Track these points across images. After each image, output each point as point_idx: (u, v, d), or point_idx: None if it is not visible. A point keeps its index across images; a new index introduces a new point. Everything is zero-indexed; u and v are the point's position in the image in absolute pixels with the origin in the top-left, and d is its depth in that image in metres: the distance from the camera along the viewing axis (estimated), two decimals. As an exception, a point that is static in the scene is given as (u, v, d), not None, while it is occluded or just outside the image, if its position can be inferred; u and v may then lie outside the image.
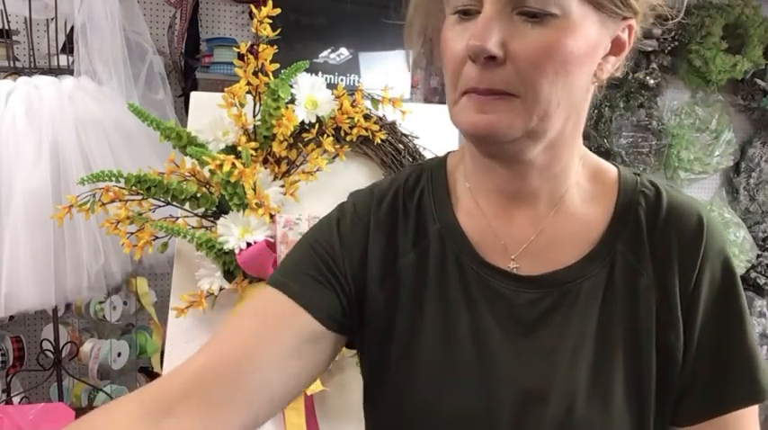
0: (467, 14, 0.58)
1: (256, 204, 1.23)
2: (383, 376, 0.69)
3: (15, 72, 1.82)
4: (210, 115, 1.28)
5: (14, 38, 2.02)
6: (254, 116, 1.29)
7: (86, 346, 2.15)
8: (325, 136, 1.30)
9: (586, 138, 0.78)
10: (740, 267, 3.34)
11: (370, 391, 0.73)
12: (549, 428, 0.61)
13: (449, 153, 0.75)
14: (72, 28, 1.82)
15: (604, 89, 0.67)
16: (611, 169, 0.70)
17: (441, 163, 0.74)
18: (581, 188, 0.67)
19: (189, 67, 2.57)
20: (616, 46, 0.61)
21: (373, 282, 0.68)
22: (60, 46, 1.88)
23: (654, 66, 3.08)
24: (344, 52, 2.39)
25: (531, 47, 0.55)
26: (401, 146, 1.34)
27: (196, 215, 1.30)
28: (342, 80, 2.36)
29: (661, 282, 0.63)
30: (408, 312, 0.68)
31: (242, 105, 1.26)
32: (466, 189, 0.69)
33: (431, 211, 0.69)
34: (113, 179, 1.23)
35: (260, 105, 1.27)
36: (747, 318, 0.64)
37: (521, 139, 0.59)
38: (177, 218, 1.30)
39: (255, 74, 1.25)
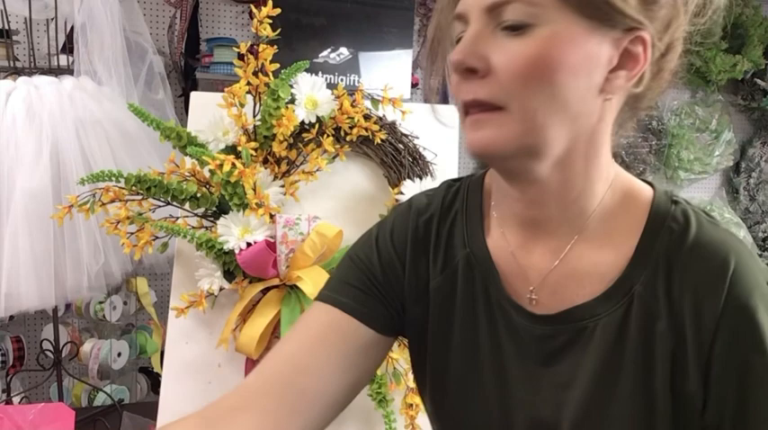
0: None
1: (256, 204, 1.23)
2: (422, 383, 0.74)
3: (15, 72, 1.82)
4: (210, 115, 1.28)
5: (14, 38, 2.02)
6: (254, 116, 1.29)
7: (86, 346, 2.15)
8: (326, 136, 1.30)
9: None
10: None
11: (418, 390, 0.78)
12: None
13: (487, 170, 0.73)
14: (72, 28, 1.82)
15: (640, 110, 0.64)
16: (643, 196, 0.65)
17: (478, 182, 0.73)
18: (606, 216, 0.64)
19: (189, 67, 2.57)
20: (627, 60, 0.58)
21: (410, 300, 0.71)
22: (60, 46, 1.88)
23: (654, 66, 3.08)
24: (344, 52, 2.39)
25: (511, 58, 0.56)
26: (401, 146, 1.34)
27: (196, 215, 1.30)
28: (342, 80, 2.35)
29: (677, 329, 0.59)
30: (438, 334, 0.70)
31: (242, 105, 1.26)
32: (495, 215, 0.70)
33: (461, 235, 0.70)
34: (113, 179, 1.23)
35: (260, 105, 1.27)
36: None
37: (520, 156, 0.59)
38: (177, 218, 1.30)
39: (255, 74, 1.25)
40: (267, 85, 1.26)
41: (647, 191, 0.66)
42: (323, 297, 0.70)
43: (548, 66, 0.55)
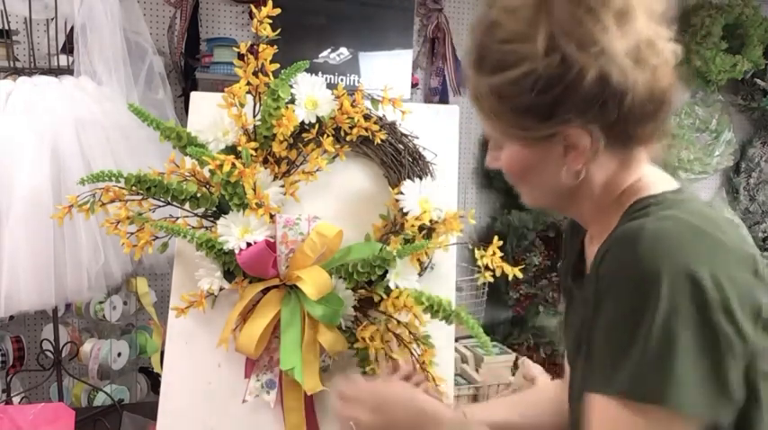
0: None
1: (256, 204, 1.23)
2: None
3: (15, 72, 1.82)
4: (210, 115, 1.28)
5: (14, 38, 2.02)
6: (254, 116, 1.29)
7: (86, 346, 2.15)
8: (326, 136, 1.30)
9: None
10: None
11: None
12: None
13: None
14: (72, 28, 1.82)
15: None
16: (630, 202, 0.79)
17: None
18: (612, 224, 0.79)
19: (189, 67, 2.57)
20: (574, 143, 0.73)
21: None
22: (60, 46, 1.88)
23: (654, 66, 3.08)
24: (344, 52, 2.39)
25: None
26: (401, 146, 1.34)
27: (196, 215, 1.30)
28: (342, 80, 2.36)
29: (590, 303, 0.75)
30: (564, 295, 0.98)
31: (242, 105, 1.26)
32: None
33: (581, 226, 0.91)
34: (113, 179, 1.23)
35: (260, 105, 1.27)
36: (616, 323, 0.69)
37: (550, 209, 0.89)
38: (177, 218, 1.30)
39: (255, 74, 1.25)
40: (267, 85, 1.26)
41: (640, 197, 0.79)
42: None
43: (513, 174, 0.80)
